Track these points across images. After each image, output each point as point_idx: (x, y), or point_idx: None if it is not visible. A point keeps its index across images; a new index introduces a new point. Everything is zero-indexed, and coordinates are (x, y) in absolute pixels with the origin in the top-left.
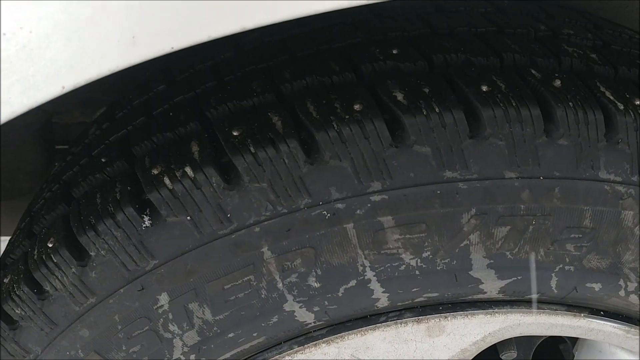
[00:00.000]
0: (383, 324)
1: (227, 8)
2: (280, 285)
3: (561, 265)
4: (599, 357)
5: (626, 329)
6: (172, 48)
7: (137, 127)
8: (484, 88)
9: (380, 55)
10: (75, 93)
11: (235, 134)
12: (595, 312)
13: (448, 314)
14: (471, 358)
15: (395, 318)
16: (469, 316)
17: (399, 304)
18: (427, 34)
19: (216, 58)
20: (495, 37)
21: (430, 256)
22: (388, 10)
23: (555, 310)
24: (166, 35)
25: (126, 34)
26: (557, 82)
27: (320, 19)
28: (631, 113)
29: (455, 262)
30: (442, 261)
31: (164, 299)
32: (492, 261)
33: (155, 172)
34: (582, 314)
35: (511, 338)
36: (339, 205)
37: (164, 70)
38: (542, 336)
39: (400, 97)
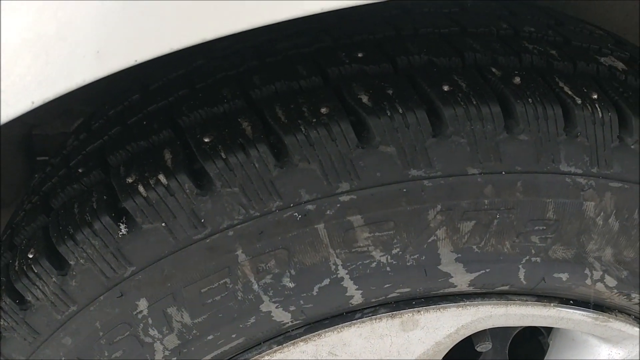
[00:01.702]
0: (358, 320)
1: (187, 21)
2: (255, 286)
3: (528, 257)
4: (572, 345)
5: (594, 316)
6: (136, 61)
7: (113, 137)
8: (446, 88)
9: (346, 59)
10: (54, 104)
11: (206, 140)
12: (565, 301)
13: (421, 308)
14: (447, 350)
15: (370, 314)
16: (441, 309)
17: (373, 300)
18: (392, 36)
19: (189, 66)
20: (458, 37)
21: (400, 252)
22: (355, 14)
23: (526, 301)
24: (129, 48)
25: (91, 49)
26: (517, 79)
27: (289, 24)
28: (589, 107)
29: (424, 257)
30: (412, 257)
31: (143, 304)
32: (459, 255)
33: (129, 180)
34: (552, 304)
35: (485, 330)
36: (310, 207)
37: (139, 79)
38: (518, 327)
39: (365, 99)
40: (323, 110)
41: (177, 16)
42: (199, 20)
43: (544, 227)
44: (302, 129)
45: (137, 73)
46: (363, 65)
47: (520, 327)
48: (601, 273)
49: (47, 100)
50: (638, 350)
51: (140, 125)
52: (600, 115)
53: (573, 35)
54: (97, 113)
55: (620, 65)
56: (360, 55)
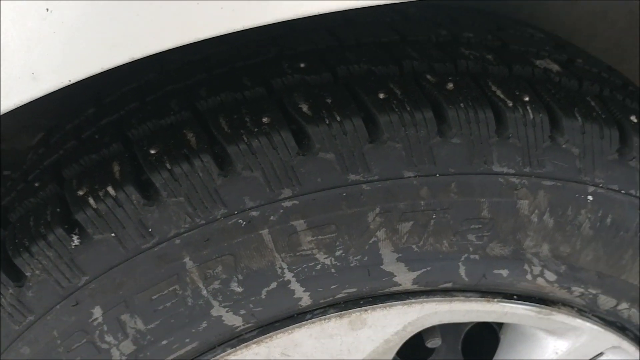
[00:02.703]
0: (308, 321)
1: (114, 41)
2: (204, 292)
3: (466, 255)
4: (522, 339)
5: (537, 310)
6: (70, 81)
7: (68, 151)
8: (381, 95)
9: (289, 70)
10: (17, 119)
11: (152, 152)
12: (508, 296)
13: (368, 307)
14: (398, 347)
15: (319, 315)
16: (388, 308)
17: (322, 301)
18: (335, 46)
19: (140, 79)
20: (397, 46)
21: (343, 254)
22: (300, 25)
23: (470, 297)
24: (63, 69)
25: (26, 71)
26: (450, 85)
27: (236, 36)
28: (520, 109)
29: (366, 258)
30: (355, 258)
31: (97, 312)
32: (400, 255)
33: (81, 193)
34: (496, 299)
35: (435, 326)
36: (254, 213)
37: (95, 93)
38: (469, 324)
39: (305, 108)
40: (265, 119)
41: (105, 37)
42: (125, 40)
43: (480, 226)
44: (245, 139)
45: (93, 87)
46: (305, 76)
47: (471, 323)
48: (540, 268)
49: None
50: (581, 340)
51: (93, 138)
52: (532, 116)
53: (512, 39)
54: (55, 128)
55: (555, 68)
56: (302, 65)
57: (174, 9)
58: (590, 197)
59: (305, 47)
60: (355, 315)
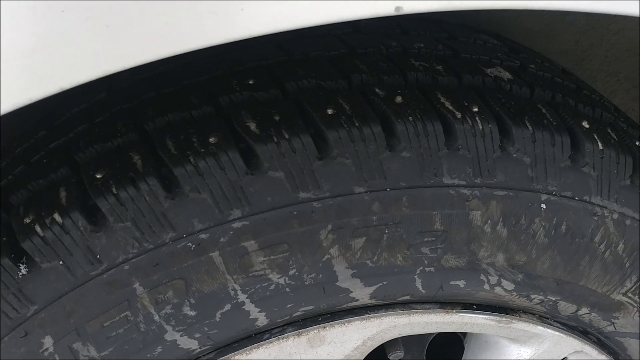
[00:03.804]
0: (266, 340)
1: (44, 72)
2: (156, 317)
3: (421, 268)
4: (485, 347)
5: (497, 319)
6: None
7: (16, 176)
8: (330, 111)
9: (237, 87)
10: None
11: (98, 176)
12: (468, 306)
13: (326, 324)
14: None
15: (278, 334)
16: (346, 323)
17: (279, 320)
18: (284, 61)
19: (91, 100)
20: (346, 59)
21: (297, 273)
22: (249, 40)
23: (429, 309)
24: (5, 95)
25: None
26: (399, 99)
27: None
28: (469, 120)
29: (321, 275)
30: (309, 276)
31: (48, 342)
32: (355, 271)
33: (27, 220)
34: (455, 310)
35: (397, 338)
36: (203, 236)
37: (47, 115)
38: (432, 334)
39: (253, 126)
40: (212, 139)
41: (32, 68)
42: (53, 71)
43: (433, 238)
44: (191, 160)
45: (45, 108)
46: (253, 92)
47: (434, 333)
48: (497, 278)
49: None
50: (544, 347)
51: (42, 163)
52: (481, 127)
53: (463, 48)
54: (5, 152)
55: (506, 75)
56: (251, 82)
57: (103, 37)
58: (543, 205)
59: (254, 63)
60: (313, 332)
